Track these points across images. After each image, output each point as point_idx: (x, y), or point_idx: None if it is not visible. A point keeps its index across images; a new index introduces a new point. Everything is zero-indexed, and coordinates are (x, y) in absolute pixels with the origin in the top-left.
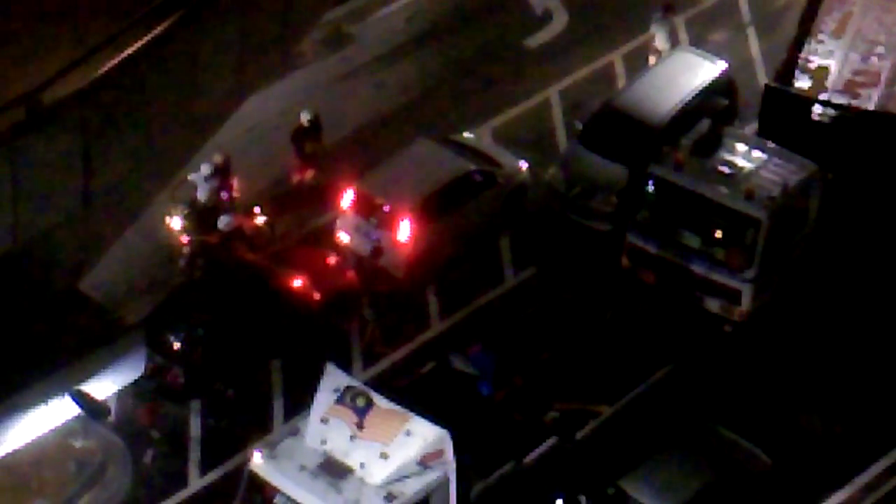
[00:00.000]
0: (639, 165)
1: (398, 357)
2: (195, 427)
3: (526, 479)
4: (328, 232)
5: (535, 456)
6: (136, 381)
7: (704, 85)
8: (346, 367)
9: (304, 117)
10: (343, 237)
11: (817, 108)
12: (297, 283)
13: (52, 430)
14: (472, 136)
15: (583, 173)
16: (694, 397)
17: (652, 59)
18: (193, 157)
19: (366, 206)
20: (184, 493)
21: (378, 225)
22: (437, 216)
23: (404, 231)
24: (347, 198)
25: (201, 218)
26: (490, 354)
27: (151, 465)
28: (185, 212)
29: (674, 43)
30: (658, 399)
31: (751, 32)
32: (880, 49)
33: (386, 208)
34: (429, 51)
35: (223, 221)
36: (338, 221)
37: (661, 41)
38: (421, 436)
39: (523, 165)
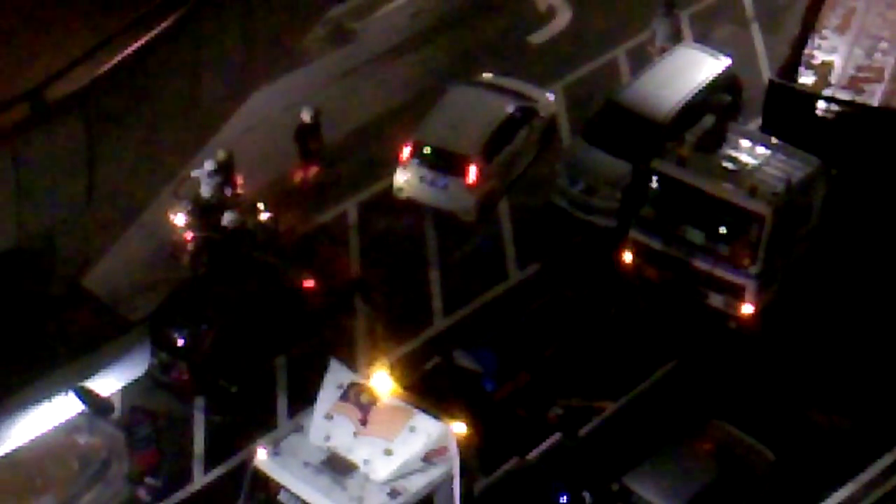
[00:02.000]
0: (642, 161)
1: (403, 353)
2: (199, 423)
3: (529, 475)
4: (332, 228)
5: (539, 452)
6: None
7: (708, 81)
8: (350, 363)
9: (306, 114)
10: (405, 190)
11: (821, 104)
12: (305, 280)
13: (56, 427)
14: (491, 75)
15: (586, 169)
16: (698, 393)
17: (654, 55)
18: (197, 154)
19: (427, 156)
20: (188, 490)
21: (445, 171)
22: (495, 155)
23: (472, 175)
24: (407, 151)
25: (205, 214)
26: (493, 351)
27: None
28: (189, 208)
29: (677, 39)
30: (662, 395)
31: (754, 28)
32: (884, 45)
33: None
34: (432, 47)
35: (227, 218)
36: (397, 176)
37: (662, 38)
38: (425, 432)
39: (552, 97)
